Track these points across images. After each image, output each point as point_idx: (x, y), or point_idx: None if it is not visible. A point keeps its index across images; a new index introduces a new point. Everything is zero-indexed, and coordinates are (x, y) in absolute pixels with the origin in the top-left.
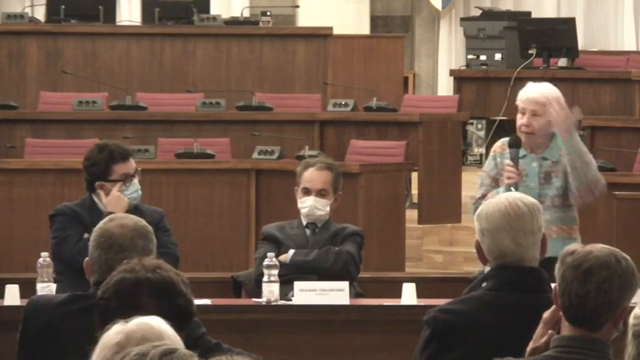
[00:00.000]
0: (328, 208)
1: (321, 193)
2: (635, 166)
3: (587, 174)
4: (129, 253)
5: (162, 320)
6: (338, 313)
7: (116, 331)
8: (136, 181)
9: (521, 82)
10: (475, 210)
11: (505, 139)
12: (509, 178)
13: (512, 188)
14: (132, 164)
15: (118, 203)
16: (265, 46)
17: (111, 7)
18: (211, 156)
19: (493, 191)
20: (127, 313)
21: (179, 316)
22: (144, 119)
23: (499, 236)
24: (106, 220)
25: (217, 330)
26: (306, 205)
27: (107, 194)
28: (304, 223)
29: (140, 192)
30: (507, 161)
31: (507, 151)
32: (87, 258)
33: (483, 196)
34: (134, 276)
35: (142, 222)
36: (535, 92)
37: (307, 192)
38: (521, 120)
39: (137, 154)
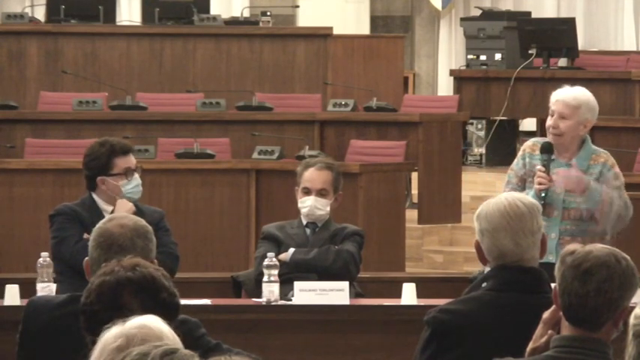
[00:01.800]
0: (328, 208)
1: (321, 193)
2: (635, 166)
3: (612, 217)
4: (128, 253)
5: (160, 320)
6: (338, 313)
7: (115, 335)
8: (137, 175)
9: (521, 82)
10: None
11: (536, 139)
12: (540, 184)
13: (542, 194)
14: (132, 159)
15: (122, 207)
16: (265, 46)
17: (111, 7)
18: (211, 156)
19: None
20: (112, 316)
21: (165, 310)
22: (144, 119)
23: (499, 236)
24: (105, 220)
25: (217, 330)
26: (307, 204)
27: (109, 189)
28: (304, 222)
29: (141, 187)
30: (539, 167)
31: (538, 152)
32: (86, 258)
33: None
34: (114, 277)
35: (142, 222)
36: (566, 95)
37: (307, 192)
38: (549, 121)
39: (137, 154)
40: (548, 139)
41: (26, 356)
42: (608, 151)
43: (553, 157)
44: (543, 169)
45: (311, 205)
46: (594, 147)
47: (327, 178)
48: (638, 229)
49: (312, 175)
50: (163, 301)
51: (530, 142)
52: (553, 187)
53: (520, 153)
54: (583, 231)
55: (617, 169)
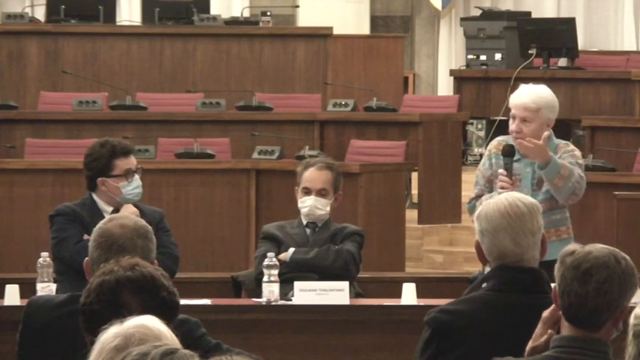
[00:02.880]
0: (328, 208)
1: (321, 193)
2: (635, 166)
3: (568, 187)
4: (129, 253)
5: (158, 320)
6: (338, 313)
7: (114, 334)
8: (137, 177)
9: (521, 82)
10: (470, 209)
11: (501, 138)
12: (502, 187)
13: None
14: (133, 160)
15: (126, 211)
16: (265, 46)
17: (111, 7)
18: (211, 156)
19: (487, 195)
20: (112, 315)
21: (165, 309)
22: (144, 119)
23: (499, 237)
24: (105, 220)
25: (217, 330)
26: (307, 204)
27: (109, 191)
28: (304, 222)
29: (141, 189)
30: (501, 170)
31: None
32: (87, 258)
33: (477, 196)
34: (114, 277)
35: (142, 222)
36: (525, 98)
37: (308, 192)
38: (512, 126)
39: (137, 154)
40: (513, 142)
41: (26, 356)
42: (608, 151)
43: (518, 157)
44: (505, 172)
45: (311, 205)
46: (557, 140)
47: (327, 178)
48: (638, 228)
49: (312, 175)
50: (163, 300)
51: (495, 142)
52: (518, 186)
53: (486, 153)
54: (549, 223)
55: (577, 152)
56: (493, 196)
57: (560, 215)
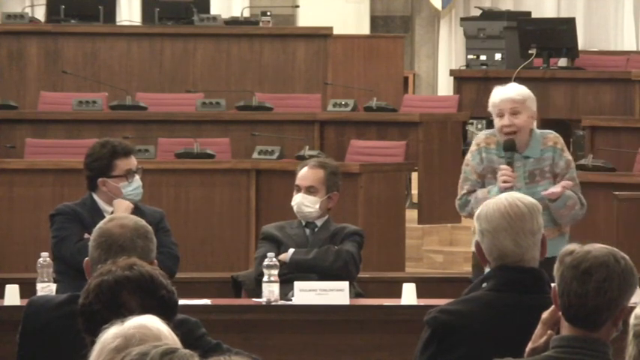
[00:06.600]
0: (317, 206)
1: (309, 190)
2: (635, 166)
3: (571, 215)
4: (129, 253)
5: (159, 320)
6: (338, 313)
7: (114, 335)
8: (137, 177)
9: (521, 82)
10: (462, 206)
11: (488, 131)
12: (505, 182)
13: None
14: (134, 161)
15: (120, 206)
16: (265, 46)
17: (111, 7)
18: (211, 156)
19: (484, 190)
20: (112, 315)
21: (164, 308)
22: (144, 119)
23: (499, 237)
24: (106, 220)
25: (217, 330)
26: (295, 202)
27: (110, 191)
28: (303, 223)
29: (142, 189)
30: (503, 165)
31: (492, 146)
32: (87, 258)
33: (469, 192)
34: (112, 277)
35: (142, 222)
36: (509, 92)
37: (298, 189)
38: (501, 122)
39: (137, 154)
40: (501, 137)
41: (26, 356)
42: (608, 151)
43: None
44: (508, 167)
45: (299, 202)
46: (539, 131)
47: (318, 176)
48: (638, 228)
49: (303, 173)
50: (162, 299)
51: (482, 136)
52: (515, 184)
53: (474, 148)
54: (549, 220)
55: (567, 154)
56: (491, 191)
57: None
